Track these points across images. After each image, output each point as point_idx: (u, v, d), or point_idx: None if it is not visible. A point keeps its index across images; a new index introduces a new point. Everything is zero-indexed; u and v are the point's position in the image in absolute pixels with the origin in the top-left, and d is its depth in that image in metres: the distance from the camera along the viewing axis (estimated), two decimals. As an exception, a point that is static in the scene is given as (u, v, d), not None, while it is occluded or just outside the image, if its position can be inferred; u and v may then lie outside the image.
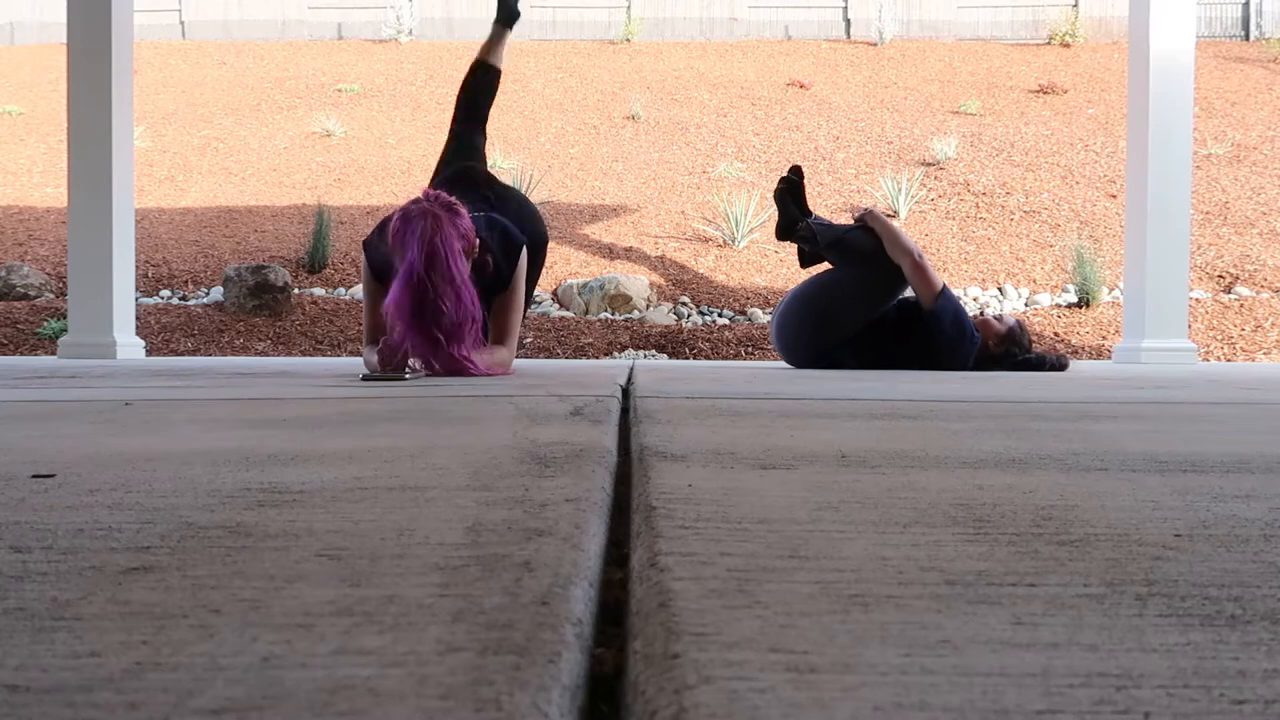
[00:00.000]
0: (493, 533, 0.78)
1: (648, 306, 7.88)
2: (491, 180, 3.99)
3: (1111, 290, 7.90)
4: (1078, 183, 9.99)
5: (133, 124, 5.89)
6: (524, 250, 3.47)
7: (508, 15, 4.47)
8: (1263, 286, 8.01)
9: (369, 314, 3.51)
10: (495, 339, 3.48)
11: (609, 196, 9.88)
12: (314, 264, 8.32)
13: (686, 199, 9.77)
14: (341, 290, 8.08)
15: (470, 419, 1.75)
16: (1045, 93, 12.90)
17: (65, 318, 6.25)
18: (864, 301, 4.33)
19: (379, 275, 3.42)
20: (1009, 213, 9.36)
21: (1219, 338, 7.24)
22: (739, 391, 2.50)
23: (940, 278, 4.30)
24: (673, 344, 7.09)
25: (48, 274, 8.10)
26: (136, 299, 6.66)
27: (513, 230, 3.50)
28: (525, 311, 3.76)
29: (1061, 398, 2.42)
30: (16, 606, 0.60)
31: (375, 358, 3.20)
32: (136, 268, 6.65)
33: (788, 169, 4.72)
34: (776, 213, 4.65)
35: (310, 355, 6.97)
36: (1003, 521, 0.85)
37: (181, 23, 16.81)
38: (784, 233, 4.61)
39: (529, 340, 7.00)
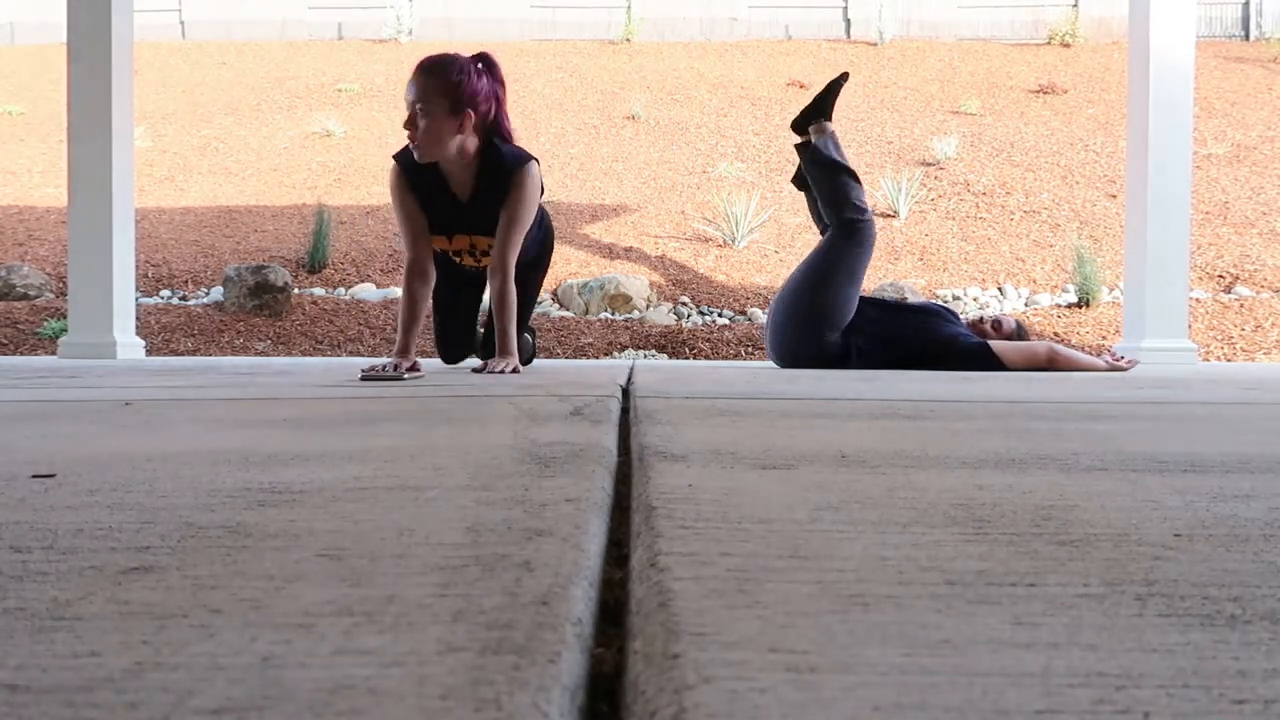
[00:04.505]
0: (493, 533, 0.78)
1: (648, 306, 7.88)
2: None
3: (1111, 290, 7.90)
4: (1078, 183, 9.99)
5: (133, 124, 5.88)
6: (534, 163, 3.57)
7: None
8: (1263, 286, 8.01)
9: (406, 233, 3.59)
10: (496, 255, 3.53)
11: (609, 196, 9.88)
12: (314, 264, 8.32)
13: (686, 199, 9.77)
14: (341, 290, 8.08)
15: (470, 419, 1.75)
16: (1045, 93, 12.90)
17: (65, 318, 6.25)
18: (846, 260, 4.30)
19: (407, 173, 3.55)
20: (1009, 213, 9.36)
21: (1219, 338, 7.24)
22: (739, 391, 2.50)
23: (1031, 347, 4.27)
24: (673, 344, 7.09)
25: (48, 274, 8.10)
26: (136, 299, 6.66)
27: (526, 152, 3.62)
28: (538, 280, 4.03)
29: (1061, 398, 2.42)
30: (16, 606, 0.60)
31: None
32: (136, 268, 6.65)
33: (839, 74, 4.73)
34: (823, 91, 4.61)
35: (310, 355, 6.97)
36: (1002, 521, 0.85)
37: (181, 23, 16.82)
38: (811, 115, 4.58)
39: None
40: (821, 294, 4.31)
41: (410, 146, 3.45)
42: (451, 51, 3.52)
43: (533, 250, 3.77)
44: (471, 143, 3.48)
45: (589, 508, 0.89)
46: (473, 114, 3.43)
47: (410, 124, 3.42)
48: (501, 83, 3.53)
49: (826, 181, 4.43)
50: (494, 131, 3.51)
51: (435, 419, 1.76)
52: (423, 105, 3.38)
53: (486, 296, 3.90)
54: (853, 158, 10.58)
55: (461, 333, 4.06)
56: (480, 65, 3.46)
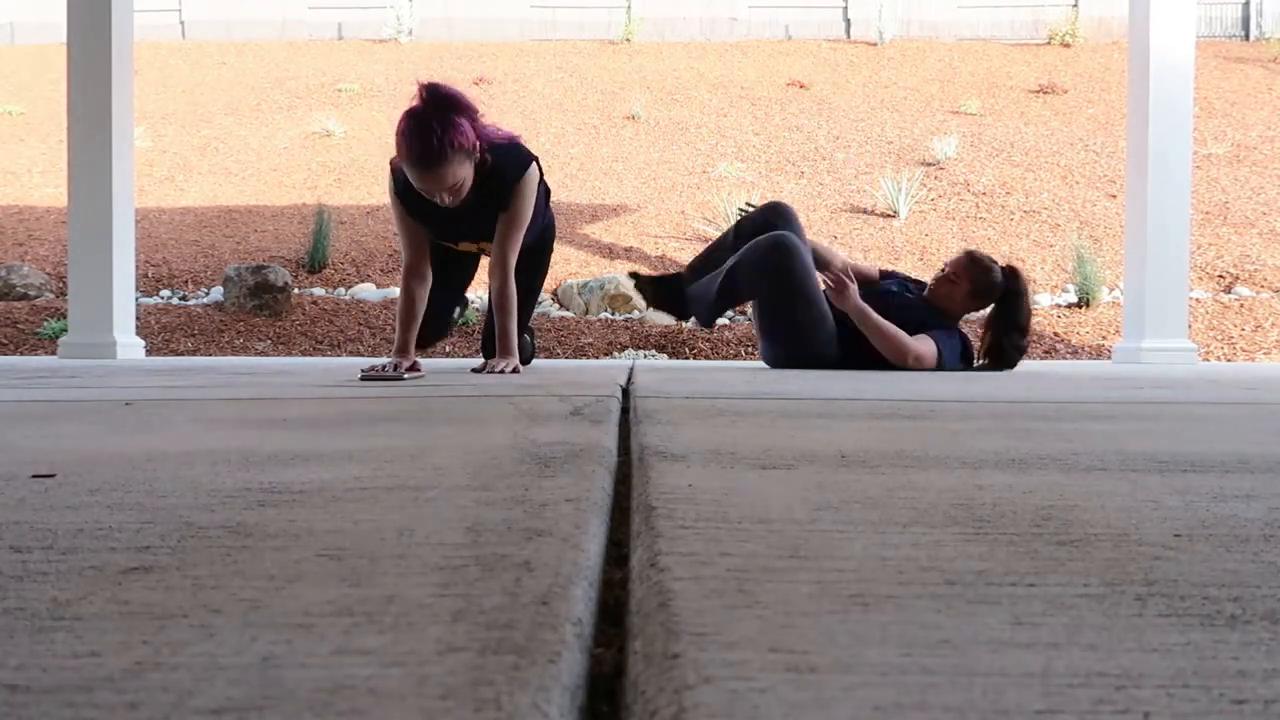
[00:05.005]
0: (493, 533, 0.78)
1: (648, 306, 7.88)
2: None
3: (1111, 290, 7.90)
4: (1078, 183, 9.99)
5: (133, 124, 5.88)
6: (534, 166, 3.55)
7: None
8: (1263, 286, 8.01)
9: (405, 241, 3.59)
10: (496, 255, 3.52)
11: (609, 196, 9.88)
12: (314, 264, 8.32)
13: (686, 199, 9.77)
14: (341, 290, 8.08)
15: (470, 419, 1.75)
16: (1045, 93, 12.90)
17: (65, 318, 6.25)
18: (791, 287, 4.17)
19: (403, 196, 3.52)
20: (1009, 213, 9.36)
21: (1219, 338, 7.24)
22: (739, 391, 2.50)
23: (926, 346, 4.15)
24: (673, 344, 7.08)
25: (48, 274, 8.10)
26: (136, 299, 6.66)
27: (522, 150, 3.58)
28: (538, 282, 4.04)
29: (1061, 398, 2.42)
30: (16, 606, 0.60)
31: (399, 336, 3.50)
32: (136, 268, 6.65)
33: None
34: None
35: (310, 355, 6.97)
36: (1002, 521, 0.85)
37: (181, 23, 16.81)
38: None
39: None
40: (802, 311, 4.24)
41: (438, 202, 3.36)
42: (411, 107, 3.29)
43: (532, 235, 3.73)
44: None
45: (589, 508, 0.89)
46: (478, 148, 3.36)
47: (443, 195, 3.32)
48: (463, 99, 3.34)
49: (744, 289, 4.33)
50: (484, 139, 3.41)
51: (435, 419, 1.76)
52: (456, 186, 3.29)
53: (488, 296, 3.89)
54: (853, 159, 10.52)
55: (431, 313, 3.84)
56: (450, 109, 3.27)
